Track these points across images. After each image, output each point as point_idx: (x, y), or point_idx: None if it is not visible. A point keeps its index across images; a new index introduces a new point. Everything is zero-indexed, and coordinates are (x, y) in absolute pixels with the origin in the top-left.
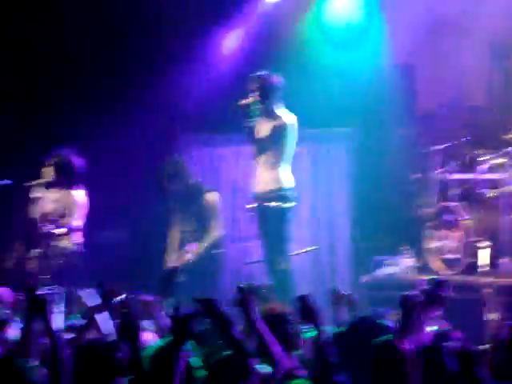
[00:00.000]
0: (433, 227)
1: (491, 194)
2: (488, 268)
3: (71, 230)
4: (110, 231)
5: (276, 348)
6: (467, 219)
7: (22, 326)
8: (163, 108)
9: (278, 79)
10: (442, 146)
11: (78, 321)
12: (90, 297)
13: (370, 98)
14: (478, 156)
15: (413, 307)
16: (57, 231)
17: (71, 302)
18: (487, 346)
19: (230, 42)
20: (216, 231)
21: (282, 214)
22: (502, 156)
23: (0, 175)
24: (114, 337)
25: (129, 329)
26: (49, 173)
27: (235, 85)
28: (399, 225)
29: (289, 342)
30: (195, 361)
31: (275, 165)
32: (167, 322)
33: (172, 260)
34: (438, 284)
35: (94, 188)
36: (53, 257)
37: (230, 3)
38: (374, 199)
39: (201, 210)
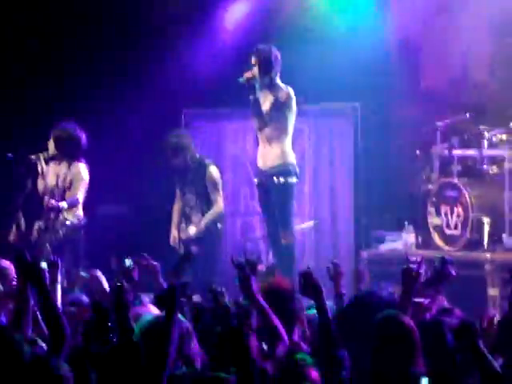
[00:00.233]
0: (434, 203)
1: (494, 170)
2: (490, 244)
3: (73, 204)
4: (110, 205)
5: (277, 323)
6: (469, 195)
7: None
8: (166, 82)
9: (277, 52)
10: (444, 122)
11: (81, 295)
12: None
13: (372, 73)
14: (481, 132)
15: (415, 280)
16: (60, 204)
17: (71, 276)
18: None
19: (233, 15)
20: (218, 206)
21: (286, 188)
22: (505, 132)
23: (1, 149)
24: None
25: (119, 304)
26: (51, 146)
27: (238, 59)
28: (401, 200)
29: (291, 317)
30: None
31: (279, 139)
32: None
33: (175, 234)
34: (445, 262)
35: (95, 162)
36: (55, 230)
37: None
38: (376, 175)
39: (203, 184)
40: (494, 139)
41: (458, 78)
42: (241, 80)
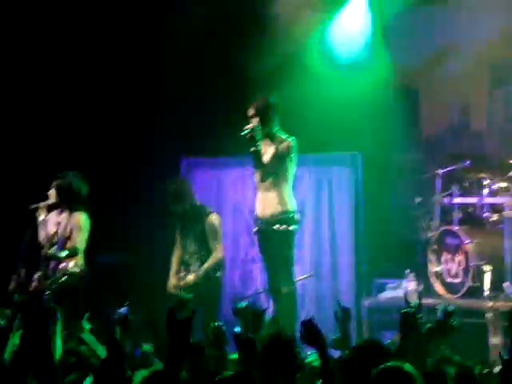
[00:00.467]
0: (435, 251)
1: (494, 218)
2: (491, 292)
3: (73, 253)
4: (111, 254)
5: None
6: (470, 243)
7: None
8: (166, 130)
9: (273, 99)
10: (445, 170)
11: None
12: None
13: (372, 122)
14: (481, 180)
15: (412, 324)
16: (60, 254)
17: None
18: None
19: None
20: (218, 253)
21: (287, 237)
22: (505, 180)
23: (2, 195)
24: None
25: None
26: (52, 195)
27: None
28: (402, 248)
29: (293, 367)
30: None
31: (280, 187)
32: None
33: (173, 282)
34: (448, 313)
35: (96, 211)
36: (55, 278)
37: None
38: (377, 223)
39: (203, 231)
40: (494, 187)
41: (457, 126)
42: (243, 134)
